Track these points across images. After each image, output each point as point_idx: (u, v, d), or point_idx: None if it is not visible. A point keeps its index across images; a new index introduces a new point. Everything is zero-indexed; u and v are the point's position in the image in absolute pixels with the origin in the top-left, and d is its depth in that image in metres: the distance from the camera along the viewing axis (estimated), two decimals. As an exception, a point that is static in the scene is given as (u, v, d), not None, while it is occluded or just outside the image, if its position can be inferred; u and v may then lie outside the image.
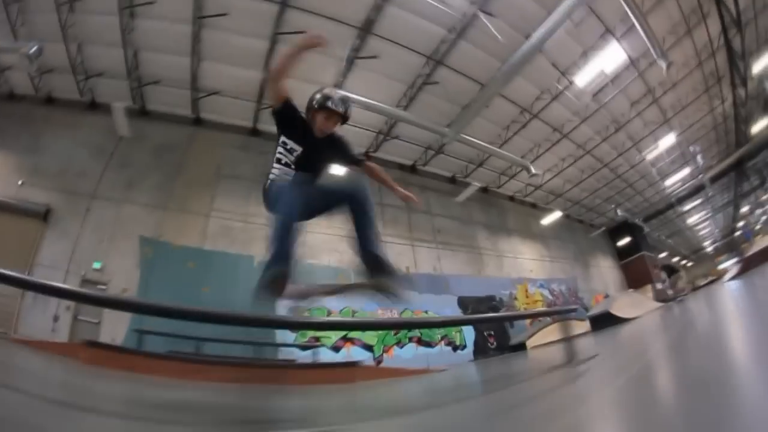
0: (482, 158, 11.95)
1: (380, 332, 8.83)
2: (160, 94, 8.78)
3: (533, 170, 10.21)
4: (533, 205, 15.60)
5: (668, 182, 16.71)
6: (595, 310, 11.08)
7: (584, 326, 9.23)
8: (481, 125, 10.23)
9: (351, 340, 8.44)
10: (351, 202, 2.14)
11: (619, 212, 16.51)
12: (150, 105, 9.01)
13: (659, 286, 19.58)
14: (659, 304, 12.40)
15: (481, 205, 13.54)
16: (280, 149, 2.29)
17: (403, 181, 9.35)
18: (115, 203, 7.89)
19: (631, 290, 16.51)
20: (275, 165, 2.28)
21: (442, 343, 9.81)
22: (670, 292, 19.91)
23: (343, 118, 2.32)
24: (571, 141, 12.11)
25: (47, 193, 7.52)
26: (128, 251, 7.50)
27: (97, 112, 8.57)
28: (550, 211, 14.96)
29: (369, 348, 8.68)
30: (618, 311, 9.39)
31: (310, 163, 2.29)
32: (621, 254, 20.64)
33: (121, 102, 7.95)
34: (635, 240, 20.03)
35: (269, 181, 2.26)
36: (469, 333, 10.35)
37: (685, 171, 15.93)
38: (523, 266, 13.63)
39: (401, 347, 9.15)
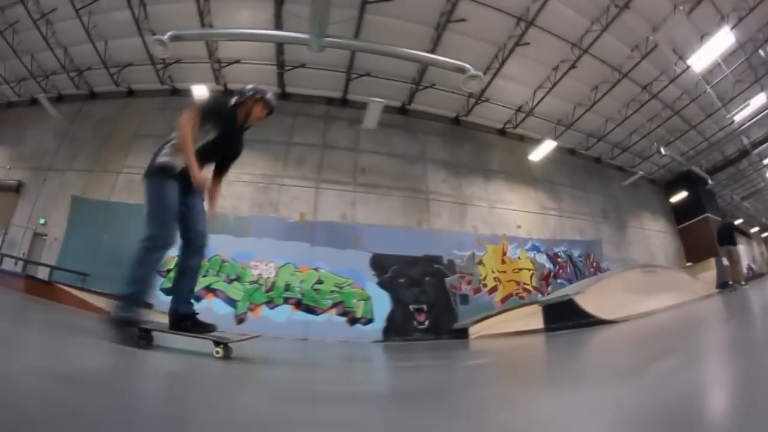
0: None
1: (248, 287, 7.39)
2: (99, 77, 10.04)
3: (473, 71, 6.76)
4: (521, 138, 11.69)
5: (739, 117, 10.55)
6: (553, 295, 7.18)
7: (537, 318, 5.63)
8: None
9: (214, 291, 7.42)
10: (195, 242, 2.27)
11: (663, 151, 11.43)
12: (96, 88, 10.46)
13: (725, 261, 12.71)
14: (711, 292, 8.15)
15: (445, 139, 10.60)
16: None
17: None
18: (61, 173, 9.55)
19: (687, 264, 11.32)
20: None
21: (333, 311, 7.65)
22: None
23: (268, 115, 2.51)
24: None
25: (23, 172, 9.70)
26: (63, 209, 9.01)
27: (60, 103, 10.46)
28: (540, 141, 10.84)
29: (232, 303, 7.39)
30: (594, 303, 5.18)
31: (217, 151, 2.41)
32: (679, 216, 14.87)
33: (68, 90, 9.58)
34: (696, 197, 14.35)
35: (160, 161, 2.25)
36: (381, 304, 7.81)
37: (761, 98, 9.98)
38: (504, 219, 10.23)
39: (272, 308, 7.47)
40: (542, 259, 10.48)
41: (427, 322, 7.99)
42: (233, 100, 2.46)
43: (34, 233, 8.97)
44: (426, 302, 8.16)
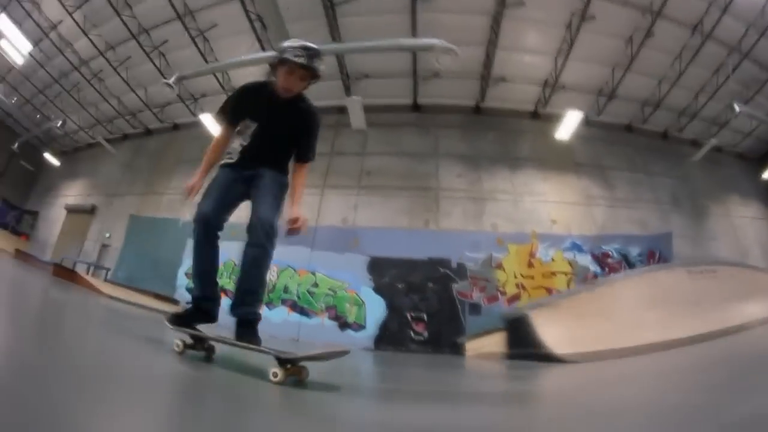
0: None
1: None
2: (149, 117, 11.93)
3: (440, 44, 5.66)
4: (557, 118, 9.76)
5: None
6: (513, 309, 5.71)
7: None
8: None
9: (225, 292, 8.08)
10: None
11: (737, 108, 8.46)
12: (150, 126, 12.45)
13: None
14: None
15: (464, 131, 9.71)
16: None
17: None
18: (122, 197, 11.49)
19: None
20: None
21: (326, 314, 7.51)
22: None
23: (312, 73, 1.98)
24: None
25: (96, 198, 12.05)
26: (123, 224, 10.75)
27: (125, 140, 12.64)
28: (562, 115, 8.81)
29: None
30: (556, 326, 3.60)
31: (272, 140, 2.06)
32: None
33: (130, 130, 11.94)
34: None
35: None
36: (376, 310, 7.37)
37: None
38: (534, 214, 8.78)
39: (270, 309, 7.65)
40: (585, 260, 8.83)
41: (426, 333, 7.35)
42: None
43: (101, 244, 10.81)
44: (427, 311, 7.50)
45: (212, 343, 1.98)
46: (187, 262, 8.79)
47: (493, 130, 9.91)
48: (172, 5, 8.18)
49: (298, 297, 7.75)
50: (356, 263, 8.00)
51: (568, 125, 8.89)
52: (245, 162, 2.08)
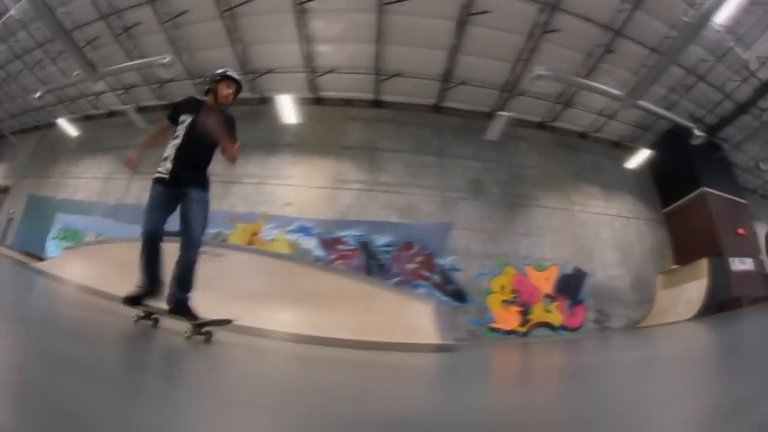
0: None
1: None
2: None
3: None
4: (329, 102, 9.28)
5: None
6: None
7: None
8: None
9: None
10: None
11: (538, 71, 6.69)
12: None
13: (739, 264, 8.22)
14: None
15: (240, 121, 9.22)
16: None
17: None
18: (28, 179, 14.08)
19: (672, 267, 6.33)
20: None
21: None
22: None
23: (239, 88, 2.77)
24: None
25: (10, 180, 14.62)
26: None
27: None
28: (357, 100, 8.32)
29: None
30: None
31: (198, 135, 2.61)
32: (667, 195, 9.86)
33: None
34: (686, 163, 9.74)
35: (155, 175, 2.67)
36: None
37: None
38: (272, 196, 8.59)
39: None
40: (311, 243, 8.35)
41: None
42: (203, 94, 2.83)
43: (8, 219, 13.62)
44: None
45: (157, 315, 2.75)
46: (54, 228, 10.71)
47: (264, 119, 9.80)
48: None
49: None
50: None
51: (285, 108, 8.53)
52: (174, 179, 2.59)
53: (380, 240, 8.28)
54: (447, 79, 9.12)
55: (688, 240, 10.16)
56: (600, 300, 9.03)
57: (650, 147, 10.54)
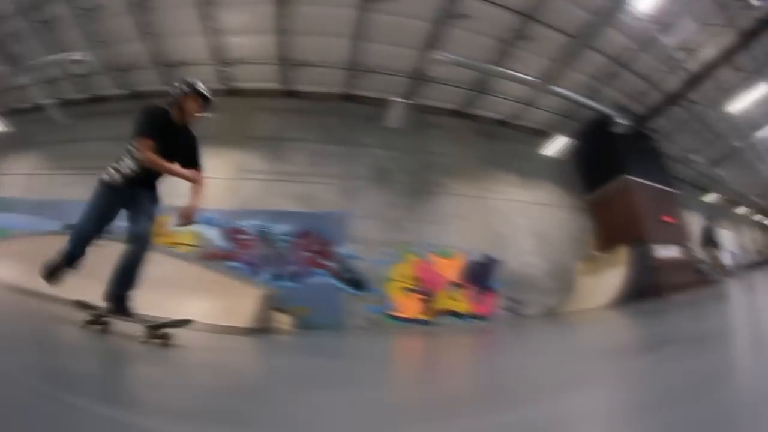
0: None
1: None
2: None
3: None
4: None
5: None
6: None
7: None
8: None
9: None
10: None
11: (442, 56, 6.78)
12: None
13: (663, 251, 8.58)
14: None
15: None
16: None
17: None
18: None
19: (593, 253, 6.17)
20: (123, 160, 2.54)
21: None
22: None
23: (207, 103, 2.60)
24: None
25: None
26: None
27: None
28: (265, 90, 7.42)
29: None
30: None
31: (165, 157, 2.51)
32: (592, 183, 9.92)
33: None
34: (610, 151, 9.83)
35: (104, 178, 2.54)
36: None
37: None
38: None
39: None
40: (213, 234, 8.34)
41: None
42: (167, 104, 2.60)
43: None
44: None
45: (107, 319, 2.51)
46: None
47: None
48: None
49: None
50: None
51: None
52: (128, 184, 2.50)
53: (279, 229, 8.24)
54: (354, 67, 9.07)
55: (611, 227, 10.06)
56: (513, 287, 8.91)
57: (575, 135, 10.44)
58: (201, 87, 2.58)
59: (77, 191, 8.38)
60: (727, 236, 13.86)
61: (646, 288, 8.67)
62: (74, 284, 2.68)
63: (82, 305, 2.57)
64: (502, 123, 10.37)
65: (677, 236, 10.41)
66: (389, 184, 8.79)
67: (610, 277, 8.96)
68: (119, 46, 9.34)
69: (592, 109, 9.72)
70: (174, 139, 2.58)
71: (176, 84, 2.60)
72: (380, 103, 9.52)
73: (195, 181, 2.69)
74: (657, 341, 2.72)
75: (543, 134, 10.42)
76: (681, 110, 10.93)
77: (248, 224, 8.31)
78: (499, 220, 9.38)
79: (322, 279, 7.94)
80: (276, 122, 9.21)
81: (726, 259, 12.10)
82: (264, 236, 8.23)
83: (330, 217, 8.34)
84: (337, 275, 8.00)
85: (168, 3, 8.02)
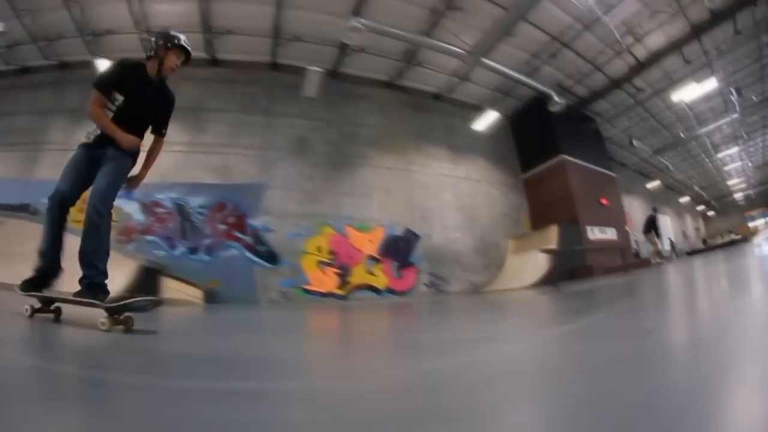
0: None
1: None
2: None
3: None
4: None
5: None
6: None
7: None
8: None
9: None
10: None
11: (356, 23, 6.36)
12: None
13: (598, 233, 9.15)
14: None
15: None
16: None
17: None
18: None
19: (524, 232, 5.96)
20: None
21: None
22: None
23: (188, 58, 2.41)
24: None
25: None
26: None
27: None
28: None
29: None
30: None
31: (136, 114, 2.36)
32: (529, 161, 10.11)
33: None
34: (549, 131, 9.79)
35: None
36: None
37: None
38: None
39: None
40: (133, 208, 8.38)
41: None
42: (144, 57, 2.41)
43: None
44: None
45: (59, 304, 2.25)
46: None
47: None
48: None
49: None
50: None
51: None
52: (99, 142, 2.32)
53: (195, 201, 8.24)
54: (278, 35, 8.75)
55: (545, 206, 9.91)
56: (436, 263, 8.88)
57: (513, 113, 10.12)
58: (182, 40, 2.37)
59: (5, 169, 8.44)
60: (668, 224, 13.79)
61: (576, 269, 8.56)
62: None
63: (43, 297, 2.23)
64: (435, 96, 10.03)
65: (614, 219, 10.22)
66: (309, 156, 8.67)
67: (539, 257, 8.87)
68: (43, 15, 9.14)
69: (529, 86, 9.36)
70: (145, 97, 2.40)
71: (153, 36, 2.40)
72: (304, 73, 9.25)
73: (136, 147, 2.42)
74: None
75: (476, 109, 10.09)
76: (626, 96, 10.47)
77: (165, 197, 8.31)
78: (425, 195, 9.25)
79: (235, 252, 7.98)
80: (198, 92, 9.02)
81: (665, 245, 11.97)
82: (181, 209, 8.25)
83: (245, 188, 8.29)
84: (250, 248, 8.04)
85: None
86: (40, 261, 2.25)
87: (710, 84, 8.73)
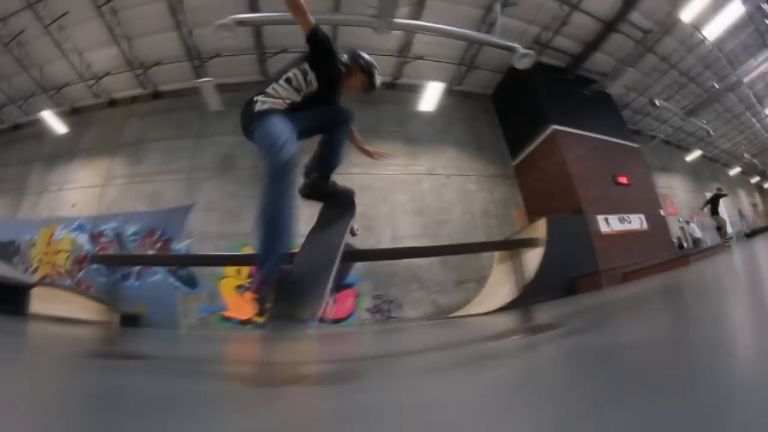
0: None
1: None
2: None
3: None
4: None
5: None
6: None
7: None
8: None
9: None
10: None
11: None
12: None
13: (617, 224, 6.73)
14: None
15: None
16: (295, 72, 2.08)
17: None
18: None
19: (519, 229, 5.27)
20: (282, 84, 2.05)
21: None
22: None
23: (367, 89, 2.30)
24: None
25: None
26: None
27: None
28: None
29: None
30: None
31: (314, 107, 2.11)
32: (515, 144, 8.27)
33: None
34: (533, 102, 7.96)
35: (260, 109, 1.99)
36: None
37: None
38: (64, 200, 9.07)
39: None
40: (84, 239, 8.94)
41: None
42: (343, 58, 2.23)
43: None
44: None
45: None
46: None
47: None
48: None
49: None
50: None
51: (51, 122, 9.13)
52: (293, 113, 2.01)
53: (130, 230, 8.36)
54: (197, 57, 8.70)
55: (542, 196, 8.02)
56: (384, 283, 7.57)
57: (495, 89, 8.44)
58: (377, 75, 2.30)
59: None
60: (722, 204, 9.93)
61: (579, 279, 6.44)
62: None
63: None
64: (388, 86, 8.83)
65: (639, 203, 7.68)
66: (234, 172, 8.22)
67: (528, 264, 6.88)
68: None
69: (486, 43, 7.50)
70: (330, 94, 2.27)
71: (353, 53, 2.28)
72: (233, 89, 8.95)
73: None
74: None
75: (426, 89, 8.59)
76: (628, 41, 7.97)
77: (108, 227, 8.61)
78: (369, 200, 8.03)
79: (159, 277, 7.79)
80: (141, 126, 9.35)
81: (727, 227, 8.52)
82: (119, 238, 8.43)
83: (171, 213, 8.14)
84: (172, 272, 7.77)
85: (29, 36, 8.39)
86: (283, 246, 1.74)
87: (735, 7, 6.01)
